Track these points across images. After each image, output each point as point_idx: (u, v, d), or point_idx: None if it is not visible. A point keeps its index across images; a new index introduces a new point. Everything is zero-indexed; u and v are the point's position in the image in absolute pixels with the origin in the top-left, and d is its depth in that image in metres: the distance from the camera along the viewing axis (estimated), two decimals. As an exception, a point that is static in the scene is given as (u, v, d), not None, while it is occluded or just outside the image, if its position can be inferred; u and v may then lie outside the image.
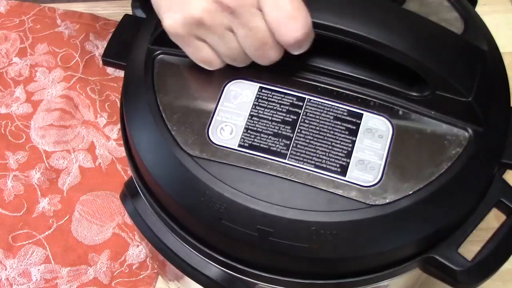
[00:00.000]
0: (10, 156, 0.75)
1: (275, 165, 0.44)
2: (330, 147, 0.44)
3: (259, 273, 0.46)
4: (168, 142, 0.45)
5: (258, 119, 0.46)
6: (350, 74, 0.47)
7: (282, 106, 0.46)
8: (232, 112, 0.46)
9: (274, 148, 0.44)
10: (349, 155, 0.44)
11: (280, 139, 0.45)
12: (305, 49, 0.43)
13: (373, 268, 0.45)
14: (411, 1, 0.50)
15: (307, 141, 0.44)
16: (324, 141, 0.44)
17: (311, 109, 0.46)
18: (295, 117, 0.45)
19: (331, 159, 0.44)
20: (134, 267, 0.69)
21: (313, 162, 0.44)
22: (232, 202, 0.42)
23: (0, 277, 0.68)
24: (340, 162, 0.44)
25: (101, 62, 0.81)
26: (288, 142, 0.44)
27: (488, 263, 0.46)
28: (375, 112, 0.46)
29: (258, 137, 0.45)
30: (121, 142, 0.55)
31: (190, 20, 0.42)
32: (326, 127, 0.45)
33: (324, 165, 0.43)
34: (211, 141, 0.45)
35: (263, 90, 0.47)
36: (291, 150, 0.44)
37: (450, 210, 0.44)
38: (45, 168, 0.74)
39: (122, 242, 0.70)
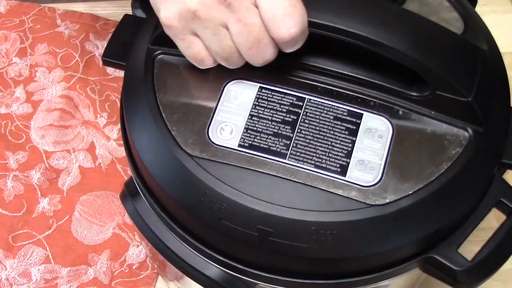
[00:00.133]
0: (10, 156, 0.75)
1: (275, 165, 0.44)
2: (330, 147, 0.44)
3: (259, 273, 0.46)
4: (168, 142, 0.45)
5: (258, 119, 0.46)
6: (350, 74, 0.47)
7: (282, 106, 0.46)
8: (232, 112, 0.46)
9: (274, 148, 0.44)
10: (349, 155, 0.44)
11: (280, 139, 0.45)
12: (299, 47, 0.43)
13: (373, 268, 0.45)
14: (411, 1, 0.50)
15: (307, 141, 0.44)
16: (324, 141, 0.44)
17: (311, 109, 0.46)
18: (295, 117, 0.45)
19: (331, 159, 0.44)
20: (134, 267, 0.69)
21: (313, 162, 0.44)
22: (232, 202, 0.42)
23: (0, 277, 0.68)
24: (340, 162, 0.44)
25: (101, 62, 0.81)
26: (288, 142, 0.44)
27: (488, 263, 0.46)
28: (375, 112, 0.46)
29: (258, 137, 0.45)
30: (121, 142, 0.55)
31: (186, 12, 0.42)
32: (326, 127, 0.45)
33: (324, 165, 0.44)
34: (211, 141, 0.45)
35: (263, 90, 0.47)
36: (291, 150, 0.44)
37: (450, 210, 0.44)
38: (45, 168, 0.74)
39: (122, 242, 0.70)
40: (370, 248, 0.43)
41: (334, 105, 0.46)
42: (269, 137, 0.45)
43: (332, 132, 0.45)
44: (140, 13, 0.56)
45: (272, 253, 0.44)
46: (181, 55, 0.46)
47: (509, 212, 0.47)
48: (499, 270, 0.46)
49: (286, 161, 0.44)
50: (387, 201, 0.42)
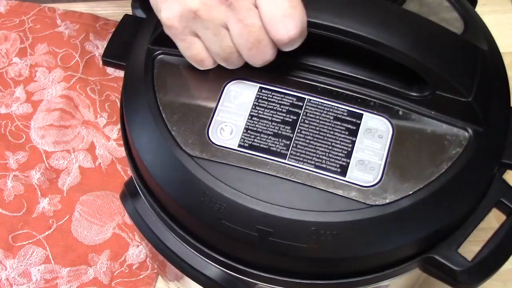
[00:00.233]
0: (10, 156, 0.75)
1: (275, 165, 0.44)
2: (330, 147, 0.44)
3: (259, 273, 0.46)
4: (168, 142, 0.45)
5: (258, 119, 0.46)
6: (350, 74, 0.47)
7: (282, 106, 0.46)
8: (232, 112, 0.46)
9: (274, 148, 0.44)
10: (349, 155, 0.44)
11: (280, 139, 0.45)
12: (297, 46, 0.43)
13: (373, 268, 0.45)
14: (411, 1, 0.50)
15: (307, 141, 0.44)
16: (324, 141, 0.44)
17: (311, 109, 0.46)
18: (295, 117, 0.45)
19: (331, 159, 0.44)
20: (134, 267, 0.69)
21: (313, 162, 0.44)
22: (232, 202, 0.42)
23: (0, 277, 0.68)
24: (340, 162, 0.44)
25: (101, 62, 0.81)
26: (288, 142, 0.44)
27: (488, 263, 0.46)
28: (375, 112, 0.46)
29: (258, 137, 0.45)
30: (121, 142, 0.55)
31: (187, 12, 0.42)
32: (326, 127, 0.45)
33: (324, 165, 0.44)
34: (211, 141, 0.45)
35: (263, 90, 0.47)
36: (291, 150, 0.44)
37: (450, 210, 0.44)
38: (45, 168, 0.74)
39: (122, 242, 0.70)
40: (370, 248, 0.43)
41: (334, 105, 0.46)
42: (269, 137, 0.45)
43: (332, 132, 0.45)
44: (140, 13, 0.56)
45: (272, 253, 0.44)
46: (181, 55, 0.46)
47: (509, 212, 0.47)
48: (499, 270, 0.46)
49: (286, 161, 0.44)
50: (387, 201, 0.42)
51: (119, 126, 0.71)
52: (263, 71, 0.45)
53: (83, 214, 0.72)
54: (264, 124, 0.45)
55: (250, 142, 0.45)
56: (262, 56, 0.43)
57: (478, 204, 0.46)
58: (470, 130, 0.45)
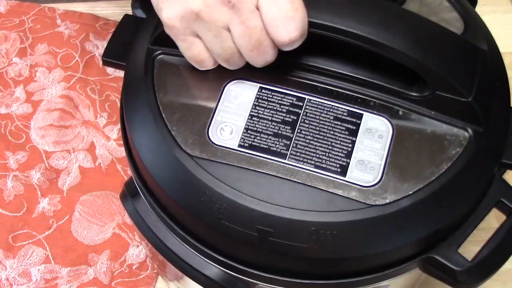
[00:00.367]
0: (10, 156, 0.75)
1: (275, 165, 0.44)
2: (330, 147, 0.44)
3: (259, 273, 0.46)
4: (168, 142, 0.45)
5: (258, 119, 0.46)
6: (350, 74, 0.47)
7: (282, 106, 0.46)
8: (232, 112, 0.46)
9: (274, 148, 0.44)
10: (349, 155, 0.44)
11: (280, 139, 0.45)
12: (296, 46, 0.43)
13: (373, 268, 0.45)
14: (411, 1, 0.50)
15: (307, 141, 0.44)
16: (324, 141, 0.44)
17: (311, 109, 0.46)
18: (295, 117, 0.45)
19: (331, 159, 0.44)
20: (134, 267, 0.69)
21: (313, 162, 0.44)
22: (232, 202, 0.42)
23: (0, 277, 0.68)
24: (340, 162, 0.44)
25: (101, 62, 0.81)
26: (288, 142, 0.44)
27: (488, 263, 0.46)
28: (375, 112, 0.46)
29: (258, 137, 0.45)
30: (121, 142, 0.55)
31: (189, 13, 0.42)
32: (326, 127, 0.45)
33: (324, 165, 0.44)
34: (211, 141, 0.45)
35: (263, 90, 0.47)
36: (291, 150, 0.44)
37: (450, 210, 0.44)
38: (45, 168, 0.74)
39: (122, 242, 0.70)
40: (370, 248, 0.43)
41: (334, 105, 0.46)
42: (269, 137, 0.45)
43: (332, 132, 0.45)
44: (140, 13, 0.56)
45: (272, 253, 0.44)
46: (181, 55, 0.46)
47: (509, 212, 0.47)
48: (499, 270, 0.46)
49: (286, 161, 0.44)
50: (387, 201, 0.42)
51: (119, 126, 0.71)
52: (263, 71, 0.45)
53: (83, 214, 0.72)
54: (264, 124, 0.45)
55: (250, 142, 0.45)
56: (263, 57, 0.43)
57: (478, 204, 0.46)
58: (470, 130, 0.45)
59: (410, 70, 0.44)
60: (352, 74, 0.47)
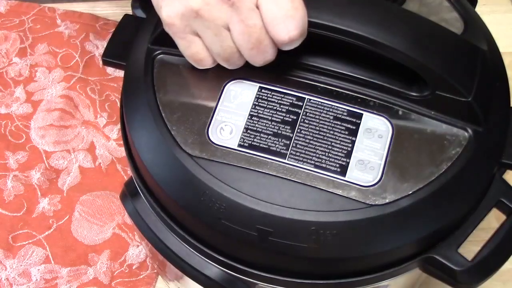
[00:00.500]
0: (10, 156, 0.75)
1: (275, 165, 0.44)
2: (329, 147, 0.44)
3: (259, 273, 0.46)
4: (167, 142, 0.45)
5: (258, 119, 0.46)
6: (350, 74, 0.47)
7: (282, 106, 0.46)
8: (232, 112, 0.46)
9: (274, 148, 0.44)
10: (348, 155, 0.44)
11: (279, 139, 0.45)
12: (296, 46, 0.43)
13: (373, 268, 0.45)
14: (411, 1, 0.50)
15: (307, 141, 0.44)
16: (324, 141, 0.44)
17: (311, 109, 0.46)
18: (294, 117, 0.45)
19: (330, 159, 0.44)
20: (134, 267, 0.69)
21: (312, 162, 0.44)
22: (231, 201, 0.42)
23: (0, 277, 0.68)
24: (340, 162, 0.44)
25: (101, 62, 0.81)
26: (288, 142, 0.44)
27: (488, 263, 0.46)
28: (375, 112, 0.46)
29: (258, 137, 0.45)
30: (121, 142, 0.55)
31: (189, 11, 0.42)
32: (326, 127, 0.45)
33: (324, 165, 0.43)
34: (210, 141, 0.45)
35: (263, 90, 0.47)
36: (291, 150, 0.44)
37: (450, 210, 0.44)
38: (45, 168, 0.74)
39: (122, 242, 0.70)
40: (369, 248, 0.43)
41: (334, 105, 0.46)
42: (269, 137, 0.45)
43: (332, 132, 0.45)
44: (140, 13, 0.56)
45: (272, 253, 0.44)
46: (181, 55, 0.46)
47: (509, 212, 0.47)
48: (499, 270, 0.46)
49: (285, 161, 0.44)
50: (387, 201, 0.42)
51: (119, 126, 0.71)
52: (263, 71, 0.45)
53: (83, 214, 0.72)
54: (264, 124, 0.45)
55: (250, 142, 0.45)
56: (263, 56, 0.43)
57: (478, 204, 0.46)
58: (470, 130, 0.45)
59: (410, 70, 0.44)
60: (352, 74, 0.47)
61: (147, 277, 0.69)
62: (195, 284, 0.50)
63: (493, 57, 0.49)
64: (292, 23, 0.41)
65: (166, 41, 0.46)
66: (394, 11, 0.45)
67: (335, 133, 0.45)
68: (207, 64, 0.45)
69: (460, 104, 0.44)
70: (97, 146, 0.76)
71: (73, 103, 0.79)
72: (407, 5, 0.50)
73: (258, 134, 0.45)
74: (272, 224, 0.42)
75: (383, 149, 0.44)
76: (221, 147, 0.44)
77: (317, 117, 0.45)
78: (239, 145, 0.44)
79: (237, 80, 0.47)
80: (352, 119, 0.45)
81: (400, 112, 0.46)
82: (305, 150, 0.44)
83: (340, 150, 0.44)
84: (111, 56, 0.54)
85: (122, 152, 0.76)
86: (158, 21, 0.47)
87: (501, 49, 0.51)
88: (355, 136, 0.45)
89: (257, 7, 0.41)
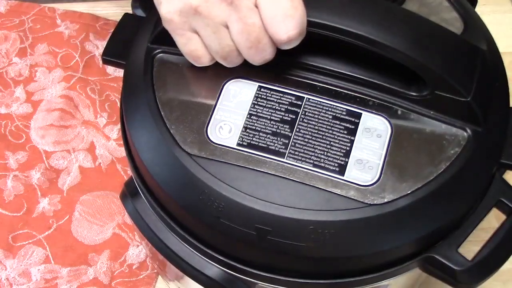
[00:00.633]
0: (10, 156, 0.75)
1: (274, 164, 0.44)
2: (328, 146, 0.44)
3: (259, 272, 0.46)
4: (167, 141, 0.45)
5: (257, 118, 0.46)
6: (349, 73, 0.47)
7: (281, 105, 0.46)
8: (231, 111, 0.46)
9: (273, 147, 0.44)
10: (347, 154, 0.44)
11: (278, 138, 0.45)
12: (295, 45, 0.43)
13: (373, 268, 0.45)
14: (410, 1, 0.50)
15: (306, 140, 0.44)
16: (323, 140, 0.44)
17: (310, 108, 0.46)
18: (293, 116, 0.45)
19: (329, 158, 0.44)
20: (134, 267, 0.69)
21: (311, 161, 0.44)
22: (230, 200, 0.42)
23: (0, 277, 0.68)
24: (339, 161, 0.44)
25: (101, 62, 0.81)
26: (287, 141, 0.44)
27: (488, 263, 0.46)
28: (374, 111, 0.46)
29: (257, 136, 0.45)
30: (121, 142, 0.55)
31: (188, 8, 0.42)
32: (324, 126, 0.45)
33: (323, 164, 0.43)
34: (209, 139, 0.45)
35: (262, 89, 0.47)
36: (290, 149, 0.44)
37: (449, 210, 0.44)
38: (45, 168, 0.74)
39: (122, 242, 0.70)
40: (368, 248, 0.43)
41: (333, 105, 0.46)
42: (268, 136, 0.45)
43: (330, 131, 0.45)
44: (140, 13, 0.56)
45: (271, 252, 0.43)
46: (181, 54, 0.46)
47: (509, 212, 0.47)
48: (499, 270, 0.46)
49: (284, 160, 0.44)
50: (385, 200, 0.42)
51: (119, 126, 0.71)
52: (263, 70, 0.45)
53: (83, 214, 0.72)
54: (263, 123, 0.45)
55: (249, 141, 0.45)
56: (261, 55, 0.43)
57: (478, 204, 0.46)
58: (469, 130, 0.45)
59: (409, 70, 0.44)
60: (351, 74, 0.47)
61: (147, 277, 0.69)
62: (195, 284, 0.50)
63: (493, 57, 0.49)
64: (291, 22, 0.41)
65: (166, 40, 0.46)
66: (394, 11, 0.45)
67: (334, 133, 0.45)
68: (205, 61, 0.45)
69: (460, 104, 0.44)
70: (97, 146, 0.76)
71: (73, 103, 0.79)
72: (406, 5, 0.50)
73: (257, 133, 0.45)
74: (270, 223, 0.42)
75: (381, 148, 0.44)
76: (220, 146, 0.44)
77: (316, 116, 0.45)
78: (238, 144, 0.44)
79: (237, 79, 0.47)
80: (351, 119, 0.45)
81: (399, 112, 0.46)
82: (304, 149, 0.44)
83: (339, 150, 0.44)
84: (111, 55, 0.54)
85: (122, 152, 0.76)
86: (158, 20, 0.47)
87: (501, 49, 0.51)
88: (354, 135, 0.45)
89: (256, 6, 0.41)
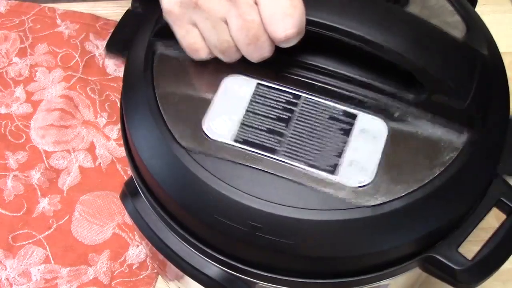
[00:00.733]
0: (10, 156, 0.75)
1: (268, 162, 0.43)
2: (323, 146, 0.44)
3: (259, 272, 0.46)
4: (165, 136, 0.45)
5: (254, 115, 0.45)
6: (347, 74, 0.47)
7: (278, 103, 0.46)
8: (229, 107, 0.46)
9: (268, 145, 0.44)
10: (342, 154, 0.44)
11: (274, 136, 0.44)
12: (293, 44, 0.43)
13: (372, 268, 0.45)
14: (412, 3, 0.50)
15: (301, 139, 0.44)
16: (318, 140, 0.44)
17: (306, 107, 0.46)
18: (290, 115, 0.45)
19: (324, 158, 0.44)
20: (134, 267, 0.69)
21: (305, 160, 0.43)
22: (224, 197, 0.42)
23: (0, 277, 0.68)
24: (333, 161, 0.44)
25: (101, 62, 0.81)
26: (282, 139, 0.44)
27: (488, 262, 0.46)
28: (370, 113, 0.46)
29: (253, 133, 0.45)
30: (121, 142, 0.55)
31: (188, 1, 0.42)
32: (320, 125, 0.45)
33: (317, 164, 0.43)
34: (206, 135, 0.45)
35: (260, 87, 0.47)
36: (285, 147, 0.44)
37: (443, 214, 0.44)
38: (45, 168, 0.74)
39: (122, 242, 0.70)
40: (363, 248, 0.43)
41: (330, 104, 0.46)
42: (264, 133, 0.45)
43: (326, 131, 0.45)
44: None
45: (266, 250, 0.43)
46: (181, 49, 0.46)
47: (509, 211, 0.47)
48: (499, 270, 0.46)
49: (279, 158, 0.44)
50: (379, 202, 0.42)
51: (119, 126, 0.71)
52: (261, 67, 0.45)
53: (83, 214, 0.72)
54: (260, 120, 0.45)
55: (245, 137, 0.44)
56: (259, 52, 0.43)
57: (477, 204, 0.46)
58: (466, 134, 0.45)
59: (408, 73, 0.44)
60: (350, 74, 0.47)
61: (147, 277, 0.69)
62: (195, 284, 0.50)
63: (494, 61, 0.49)
64: (290, 21, 0.41)
65: (166, 34, 0.46)
66: (394, 12, 0.45)
67: (330, 132, 0.45)
68: (203, 55, 0.46)
69: (457, 108, 0.44)
70: (97, 146, 0.76)
71: (73, 103, 0.79)
72: (408, 8, 0.50)
73: (254, 130, 0.45)
74: (263, 221, 0.42)
75: (377, 150, 0.44)
76: (217, 142, 0.44)
77: (312, 115, 0.45)
78: (235, 140, 0.44)
79: (236, 75, 0.47)
80: (347, 119, 0.45)
81: (396, 114, 0.46)
82: (299, 148, 0.44)
83: (334, 150, 0.44)
84: (114, 48, 0.54)
85: (122, 152, 0.76)
86: (159, 15, 0.47)
87: (501, 49, 0.51)
88: (350, 136, 0.45)
89: (256, 3, 0.41)
